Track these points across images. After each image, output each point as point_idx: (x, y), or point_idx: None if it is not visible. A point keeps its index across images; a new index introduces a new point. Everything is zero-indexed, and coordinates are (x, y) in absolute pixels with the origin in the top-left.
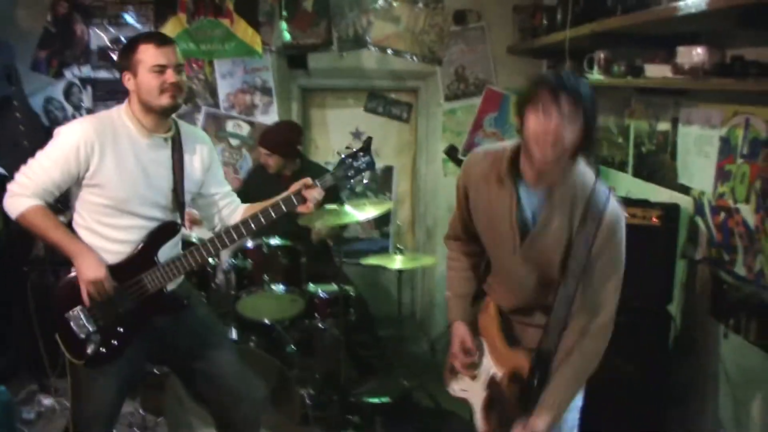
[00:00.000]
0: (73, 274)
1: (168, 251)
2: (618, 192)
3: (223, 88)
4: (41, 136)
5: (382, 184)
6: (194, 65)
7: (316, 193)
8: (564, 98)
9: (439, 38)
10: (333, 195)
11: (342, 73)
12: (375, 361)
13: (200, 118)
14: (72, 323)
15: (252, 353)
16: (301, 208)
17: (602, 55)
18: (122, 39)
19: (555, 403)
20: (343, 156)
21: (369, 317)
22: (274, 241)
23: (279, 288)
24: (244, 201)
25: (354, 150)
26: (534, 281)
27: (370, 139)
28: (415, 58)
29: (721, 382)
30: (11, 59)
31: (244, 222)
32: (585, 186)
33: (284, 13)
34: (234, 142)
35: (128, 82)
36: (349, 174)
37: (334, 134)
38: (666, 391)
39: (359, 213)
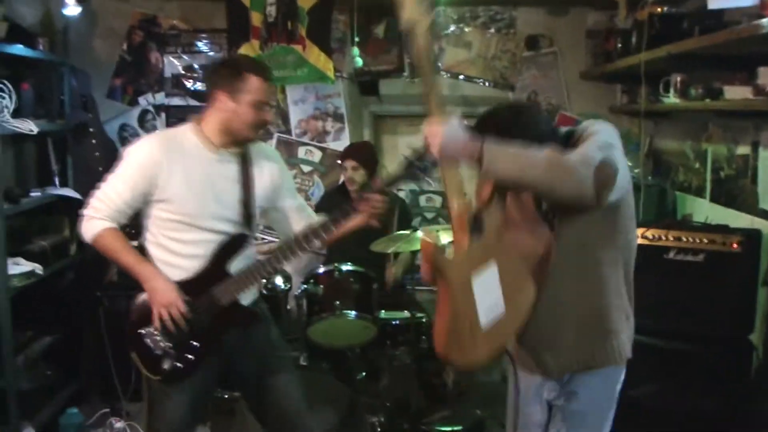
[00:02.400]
0: (146, 294)
1: (239, 264)
2: (696, 218)
3: (295, 115)
4: (116, 162)
5: None
6: None
7: (377, 197)
8: None
9: (512, 64)
10: (405, 222)
11: (413, 100)
12: (446, 389)
13: (272, 144)
14: (148, 340)
15: (322, 379)
16: (362, 207)
17: (679, 78)
18: (195, 66)
19: (489, 146)
20: (406, 157)
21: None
22: (346, 266)
23: (350, 314)
24: None
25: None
26: None
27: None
28: (487, 83)
29: None
30: (88, 88)
31: (312, 230)
32: None
33: (356, 39)
34: (306, 168)
35: (220, 102)
36: (414, 173)
37: None
38: (748, 423)
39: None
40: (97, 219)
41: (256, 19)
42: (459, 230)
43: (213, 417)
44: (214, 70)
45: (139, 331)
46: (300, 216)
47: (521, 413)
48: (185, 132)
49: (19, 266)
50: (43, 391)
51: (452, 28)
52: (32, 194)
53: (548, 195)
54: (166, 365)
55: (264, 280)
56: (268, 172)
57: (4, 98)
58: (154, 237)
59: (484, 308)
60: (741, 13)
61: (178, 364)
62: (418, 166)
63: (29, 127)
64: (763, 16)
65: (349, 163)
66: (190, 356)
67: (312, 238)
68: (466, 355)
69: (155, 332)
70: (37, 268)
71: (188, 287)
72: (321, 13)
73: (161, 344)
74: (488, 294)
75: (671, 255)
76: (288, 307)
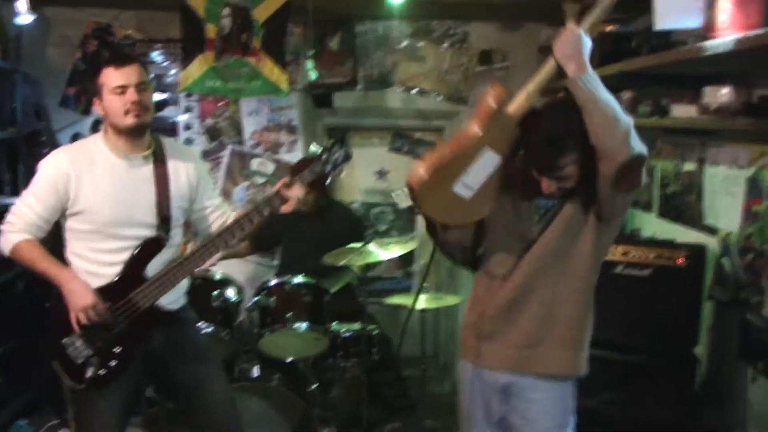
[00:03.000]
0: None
1: (158, 267)
2: (644, 232)
3: (249, 126)
4: None
5: (406, 223)
6: (220, 103)
7: (297, 191)
8: None
9: (465, 78)
10: (358, 235)
11: (367, 112)
12: (398, 401)
13: (225, 155)
14: (68, 350)
15: (275, 391)
16: (285, 208)
17: (629, 95)
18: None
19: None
20: (317, 152)
21: (392, 357)
22: (298, 279)
23: (302, 326)
24: (270, 239)
25: (329, 145)
26: None
27: (346, 133)
28: (440, 97)
29: (749, 426)
30: (41, 96)
31: (232, 225)
32: None
33: (310, 51)
34: (259, 180)
35: (98, 107)
36: (327, 169)
37: (358, 173)
38: None
39: (383, 252)
40: (12, 233)
41: (210, 30)
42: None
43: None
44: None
45: (61, 341)
46: (217, 214)
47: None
48: (95, 141)
49: None
50: None
51: (406, 42)
52: None
53: (598, 137)
54: (89, 373)
55: (186, 281)
56: (183, 171)
57: None
58: (73, 248)
59: (468, 176)
60: (688, 34)
61: (101, 371)
62: (329, 159)
63: None
64: (708, 38)
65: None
66: (112, 362)
67: (234, 230)
68: (425, 196)
69: (76, 340)
70: None
71: (107, 293)
72: (276, 25)
73: (83, 352)
74: (477, 171)
75: (619, 270)
76: (240, 319)
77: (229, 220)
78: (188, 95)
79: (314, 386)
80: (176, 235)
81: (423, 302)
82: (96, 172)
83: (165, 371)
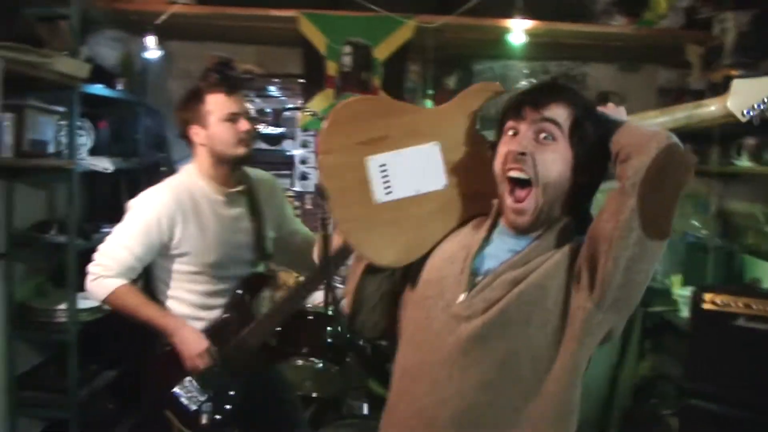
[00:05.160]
0: (168, 348)
1: (264, 303)
2: (765, 282)
3: None
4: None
5: None
6: None
7: None
8: None
9: None
10: None
11: None
12: None
13: None
14: (183, 398)
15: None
16: None
17: (752, 142)
18: (267, 110)
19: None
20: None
21: None
22: None
23: None
24: None
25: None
26: None
27: None
28: None
29: None
30: (162, 127)
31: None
32: None
33: (429, 90)
34: None
35: (196, 135)
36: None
37: None
38: None
39: None
40: (107, 278)
41: (331, 68)
42: None
43: None
44: (180, 109)
45: (173, 390)
46: (299, 239)
47: None
48: (191, 178)
49: (88, 301)
50: (103, 425)
51: (523, 82)
52: (103, 230)
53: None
54: (204, 419)
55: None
56: (272, 201)
57: (82, 136)
58: (172, 291)
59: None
60: None
61: (217, 416)
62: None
63: (105, 165)
64: None
65: None
66: (227, 406)
67: (339, 259)
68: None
69: (190, 387)
70: None
71: (215, 335)
72: (395, 64)
73: (197, 399)
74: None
75: (740, 322)
76: (350, 355)
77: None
78: (305, 129)
79: None
80: (275, 268)
81: None
82: (200, 212)
83: (260, 411)
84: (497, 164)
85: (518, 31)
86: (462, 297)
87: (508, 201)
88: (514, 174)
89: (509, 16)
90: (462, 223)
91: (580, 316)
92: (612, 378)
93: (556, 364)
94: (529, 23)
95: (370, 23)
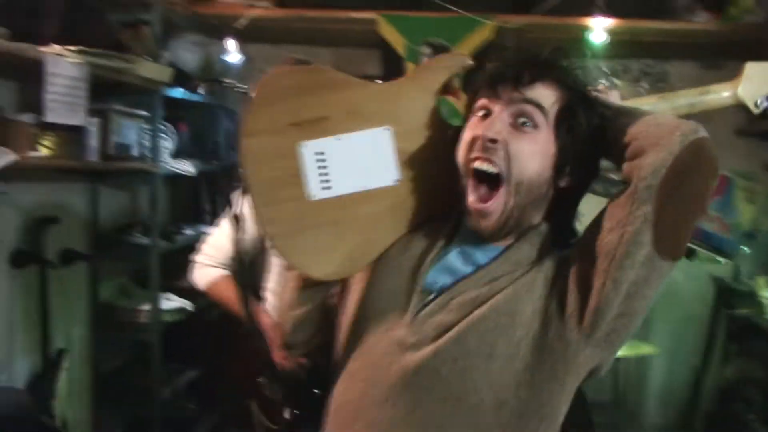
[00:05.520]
0: (255, 344)
1: None
2: None
3: None
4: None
5: None
6: None
7: None
8: None
9: None
10: None
11: None
12: None
13: None
14: (267, 390)
15: None
16: None
17: None
18: None
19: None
20: None
21: (583, 400)
22: None
23: None
24: None
25: None
26: None
27: None
28: None
29: None
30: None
31: None
32: None
33: None
34: None
35: None
36: None
37: None
38: None
39: None
40: (209, 267)
41: (410, 68)
42: None
43: None
44: None
45: (259, 380)
46: None
47: None
48: None
49: (170, 302)
50: (184, 424)
51: (603, 81)
52: (185, 232)
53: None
54: (286, 414)
55: None
56: None
57: (165, 139)
58: (272, 283)
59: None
60: None
61: (299, 412)
62: None
63: (188, 168)
64: None
65: None
66: (309, 402)
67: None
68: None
69: (276, 380)
70: (187, 304)
71: None
72: (475, 64)
73: (282, 392)
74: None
75: None
76: None
77: None
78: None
79: None
80: None
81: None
82: None
83: None
84: (461, 152)
85: (599, 29)
86: (408, 319)
87: (470, 199)
88: (479, 165)
89: (589, 14)
90: (416, 228)
91: (560, 350)
92: (695, 382)
93: (526, 409)
94: (609, 21)
95: (449, 24)
